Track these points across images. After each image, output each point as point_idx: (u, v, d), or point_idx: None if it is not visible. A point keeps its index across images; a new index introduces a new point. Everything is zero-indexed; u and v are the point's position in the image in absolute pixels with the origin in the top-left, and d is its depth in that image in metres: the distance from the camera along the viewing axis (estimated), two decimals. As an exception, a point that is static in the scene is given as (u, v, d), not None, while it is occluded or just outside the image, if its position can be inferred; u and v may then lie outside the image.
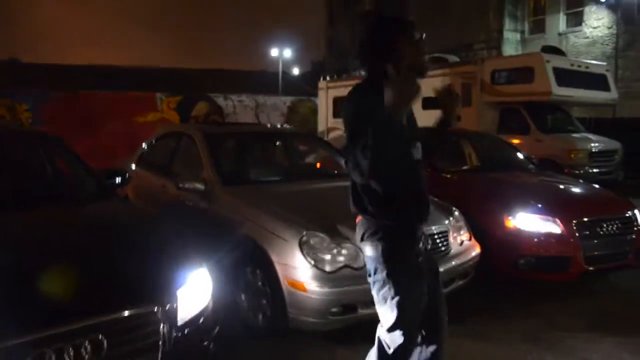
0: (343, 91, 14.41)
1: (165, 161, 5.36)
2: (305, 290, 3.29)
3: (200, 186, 4.33)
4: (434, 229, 3.76)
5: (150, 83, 23.02)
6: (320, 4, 29.43)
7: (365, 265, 3.28)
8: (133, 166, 5.96)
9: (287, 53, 28.23)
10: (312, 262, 3.31)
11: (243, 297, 3.79)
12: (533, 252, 4.41)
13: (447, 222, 3.98)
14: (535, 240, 4.43)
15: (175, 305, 2.39)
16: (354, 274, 3.35)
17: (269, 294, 3.52)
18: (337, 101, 14.37)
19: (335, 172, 5.20)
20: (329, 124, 14.60)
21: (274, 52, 27.80)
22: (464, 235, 4.08)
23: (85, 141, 14.65)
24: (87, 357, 2.07)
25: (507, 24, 20.00)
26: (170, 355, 2.31)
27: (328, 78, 15.48)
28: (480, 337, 3.73)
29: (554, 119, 11.07)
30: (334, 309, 3.31)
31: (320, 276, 3.29)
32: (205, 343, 2.57)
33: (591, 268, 4.47)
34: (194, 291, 2.56)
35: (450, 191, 5.23)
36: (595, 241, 4.53)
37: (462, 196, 5.06)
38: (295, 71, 31.46)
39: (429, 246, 2.25)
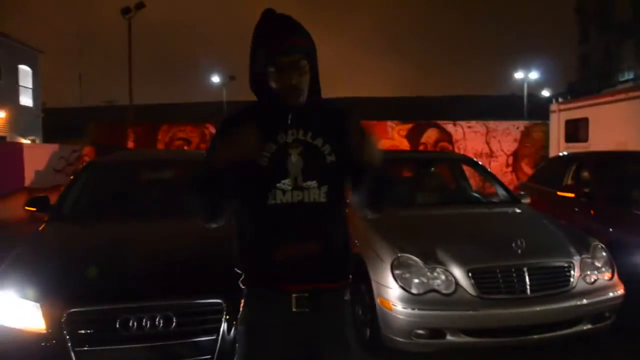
0: (575, 113, 13.18)
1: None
2: (390, 309, 3.43)
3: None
4: (546, 262, 3.48)
5: (388, 112, 24.38)
6: (572, 21, 27.00)
7: (455, 292, 3.32)
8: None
9: (534, 75, 26.59)
10: (401, 283, 3.43)
11: (360, 311, 4.07)
12: None
13: (577, 257, 3.58)
14: None
15: (240, 300, 2.87)
16: (441, 299, 3.36)
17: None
18: (568, 124, 13.16)
19: (479, 198, 5.08)
20: (561, 148, 13.41)
21: (518, 74, 26.52)
22: (602, 274, 3.60)
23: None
24: (159, 328, 2.71)
25: None
26: (230, 341, 2.78)
27: (560, 100, 14.25)
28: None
29: None
30: (419, 331, 3.35)
31: (406, 297, 3.39)
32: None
33: None
34: None
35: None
36: None
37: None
38: (546, 93, 29.31)
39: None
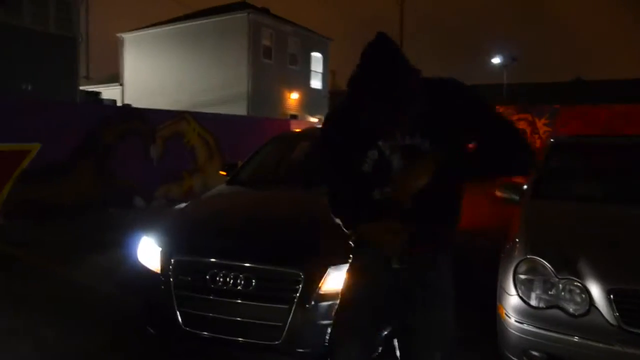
0: None
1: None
2: (504, 319, 2.88)
3: (515, 197, 4.18)
4: None
5: None
6: None
7: (587, 314, 2.64)
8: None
9: None
10: (520, 291, 2.84)
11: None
12: None
13: None
14: None
15: (321, 276, 2.83)
16: (566, 320, 2.69)
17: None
18: None
19: None
20: None
21: None
22: None
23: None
24: (239, 287, 2.88)
25: None
26: (304, 311, 2.80)
27: None
28: None
29: None
30: (533, 353, 2.74)
31: (522, 309, 2.80)
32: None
33: None
34: None
35: None
36: None
37: None
38: None
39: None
